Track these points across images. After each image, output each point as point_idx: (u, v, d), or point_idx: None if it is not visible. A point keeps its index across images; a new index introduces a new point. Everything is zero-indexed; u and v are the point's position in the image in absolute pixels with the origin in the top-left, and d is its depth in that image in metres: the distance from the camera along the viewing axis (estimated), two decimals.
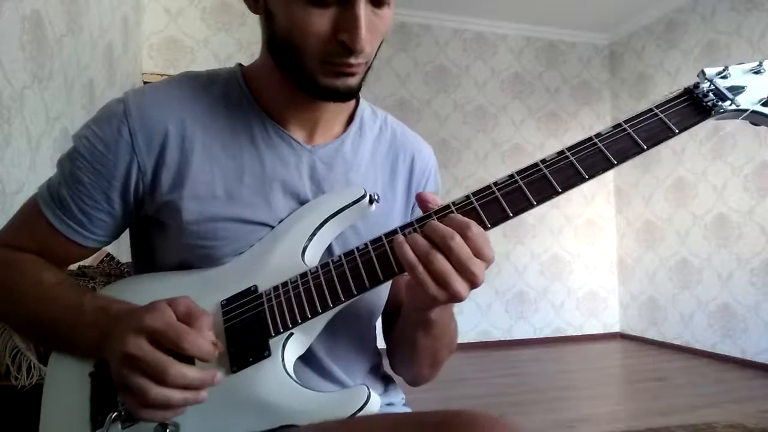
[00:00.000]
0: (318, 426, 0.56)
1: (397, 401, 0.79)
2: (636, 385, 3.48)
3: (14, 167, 1.34)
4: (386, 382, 0.80)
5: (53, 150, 1.64)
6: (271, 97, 0.72)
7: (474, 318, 4.56)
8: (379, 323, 0.83)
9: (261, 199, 0.68)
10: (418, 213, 0.82)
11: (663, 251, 4.46)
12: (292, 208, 0.69)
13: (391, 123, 0.84)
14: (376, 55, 0.68)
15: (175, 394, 0.54)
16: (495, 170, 4.70)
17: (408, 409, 0.79)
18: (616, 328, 4.98)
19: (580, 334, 4.86)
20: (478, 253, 0.56)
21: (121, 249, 2.67)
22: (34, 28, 1.47)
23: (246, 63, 0.78)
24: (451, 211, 0.61)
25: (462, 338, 4.45)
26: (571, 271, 4.87)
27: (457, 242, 0.55)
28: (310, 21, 0.60)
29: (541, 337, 4.74)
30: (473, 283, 0.56)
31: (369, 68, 0.68)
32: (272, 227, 0.68)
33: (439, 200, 0.64)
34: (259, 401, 0.59)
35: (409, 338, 0.73)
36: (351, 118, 0.78)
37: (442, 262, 0.55)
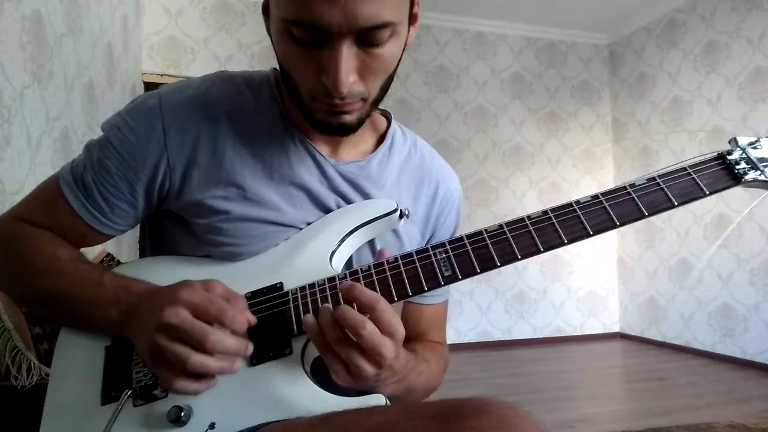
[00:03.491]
0: (333, 413, 0.57)
1: None
2: (636, 385, 3.48)
3: (14, 167, 1.34)
4: None
5: (53, 150, 1.64)
6: (297, 110, 0.70)
7: (474, 318, 4.56)
8: None
9: (288, 203, 0.69)
10: (434, 242, 0.82)
11: (663, 251, 4.46)
12: (317, 215, 0.70)
13: (420, 147, 0.83)
14: (387, 88, 0.65)
15: (213, 362, 0.55)
16: (495, 170, 4.71)
17: None
18: (616, 328, 4.98)
19: (580, 334, 4.86)
20: (387, 332, 0.56)
21: (122, 249, 2.68)
22: (34, 28, 1.47)
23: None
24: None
25: (462, 338, 4.45)
26: (571, 271, 4.87)
27: (368, 330, 0.55)
28: (297, 59, 0.60)
29: (541, 337, 4.74)
30: (380, 364, 0.56)
31: (375, 103, 0.65)
32: (299, 229, 0.69)
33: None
34: (275, 397, 0.60)
35: None
36: (382, 137, 0.78)
37: (350, 352, 0.56)
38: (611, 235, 4.99)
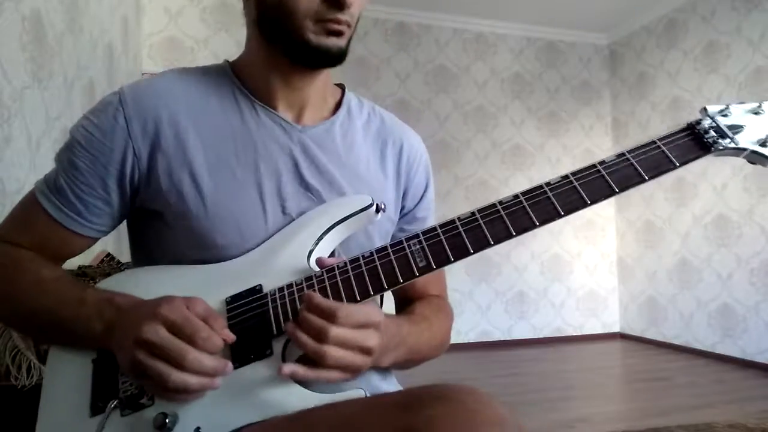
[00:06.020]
0: (304, 411, 0.58)
1: None
2: (636, 385, 3.48)
3: (14, 167, 1.34)
4: (385, 371, 0.80)
5: (53, 150, 1.64)
6: (259, 81, 0.75)
7: (474, 318, 4.55)
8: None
9: (255, 177, 0.71)
10: (409, 199, 0.84)
11: (663, 251, 4.46)
12: (286, 184, 0.72)
13: (379, 111, 0.86)
14: (357, 21, 0.71)
15: (193, 379, 0.56)
16: (495, 170, 4.71)
17: None
18: (616, 328, 4.97)
19: (580, 334, 4.86)
20: (360, 327, 0.59)
21: (122, 249, 2.68)
22: (34, 28, 1.47)
23: None
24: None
25: (462, 338, 4.45)
26: (571, 271, 4.87)
27: (334, 333, 0.57)
28: None
29: (541, 337, 4.74)
30: (368, 353, 0.60)
31: (353, 32, 0.71)
32: (270, 205, 0.70)
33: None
34: (259, 398, 0.61)
35: None
36: (338, 107, 0.81)
37: (332, 351, 0.58)
38: (611, 235, 5.00)
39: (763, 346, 3.62)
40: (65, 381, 0.67)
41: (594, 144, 5.01)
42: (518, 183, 4.75)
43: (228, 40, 3.96)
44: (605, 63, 5.10)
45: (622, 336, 4.93)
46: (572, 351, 4.44)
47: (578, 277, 4.89)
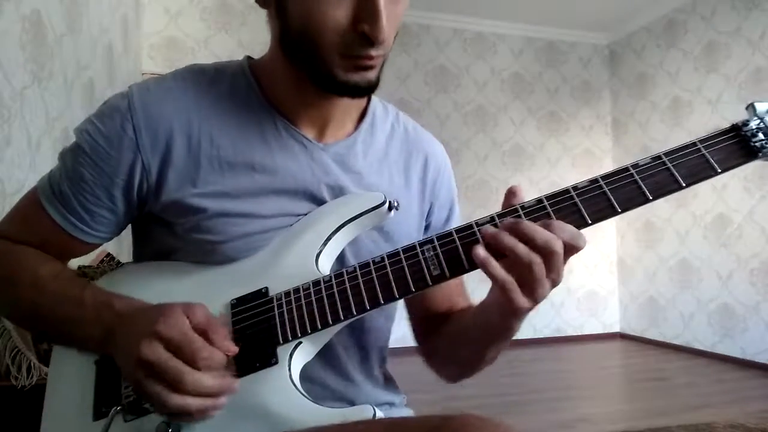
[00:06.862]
0: (315, 429, 0.56)
1: (398, 401, 0.79)
2: (636, 385, 3.48)
3: (14, 167, 1.34)
4: (386, 379, 0.80)
5: (53, 150, 1.64)
6: (280, 94, 0.69)
7: None
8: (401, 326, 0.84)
9: (272, 195, 0.67)
10: (436, 212, 0.81)
11: (663, 251, 4.46)
12: (304, 206, 0.68)
13: (403, 120, 0.82)
14: (391, 46, 0.66)
15: (193, 402, 0.53)
16: (495, 170, 4.71)
17: (410, 411, 0.79)
18: (616, 328, 4.98)
19: (580, 334, 4.86)
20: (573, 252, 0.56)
21: (122, 249, 2.68)
22: (34, 28, 1.47)
23: None
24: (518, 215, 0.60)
25: None
26: (570, 271, 4.86)
27: (558, 247, 0.54)
28: (328, 12, 0.58)
29: (541, 337, 4.74)
30: (556, 283, 0.57)
31: (385, 61, 0.65)
32: (285, 224, 0.67)
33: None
34: (262, 409, 0.58)
35: (479, 348, 0.75)
36: (362, 115, 0.76)
37: (539, 269, 0.55)
38: (611, 235, 5.00)
39: (763, 346, 3.62)
40: (69, 382, 0.65)
41: (594, 144, 5.01)
42: (518, 183, 4.74)
43: (228, 40, 3.96)
44: (605, 63, 5.10)
45: (622, 336, 4.93)
46: (572, 351, 4.44)
47: (578, 277, 4.89)
